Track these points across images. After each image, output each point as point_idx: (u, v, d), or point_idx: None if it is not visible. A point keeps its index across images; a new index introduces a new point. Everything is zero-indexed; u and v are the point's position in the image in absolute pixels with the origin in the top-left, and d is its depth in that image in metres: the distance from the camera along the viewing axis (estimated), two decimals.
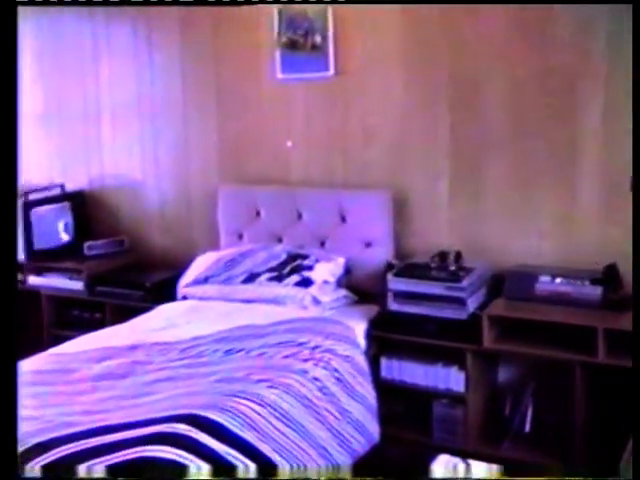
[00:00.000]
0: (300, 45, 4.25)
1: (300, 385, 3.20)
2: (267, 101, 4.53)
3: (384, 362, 3.83)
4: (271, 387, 3.11)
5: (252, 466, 2.69)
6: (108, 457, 2.52)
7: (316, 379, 3.29)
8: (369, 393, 3.56)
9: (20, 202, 4.94)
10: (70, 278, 4.83)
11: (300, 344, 3.51)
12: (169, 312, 4.14)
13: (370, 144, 4.25)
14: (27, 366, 3.42)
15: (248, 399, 2.97)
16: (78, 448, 2.58)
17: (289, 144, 4.45)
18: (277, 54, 4.36)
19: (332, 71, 4.23)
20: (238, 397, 2.97)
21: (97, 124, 5.16)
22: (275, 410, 3.01)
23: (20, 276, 4.96)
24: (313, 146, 4.43)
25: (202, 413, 2.80)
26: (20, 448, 2.62)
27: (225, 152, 4.74)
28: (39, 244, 5.02)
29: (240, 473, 2.62)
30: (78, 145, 5.27)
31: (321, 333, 3.63)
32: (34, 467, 2.50)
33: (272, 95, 4.50)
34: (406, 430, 3.83)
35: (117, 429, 2.69)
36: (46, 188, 5.26)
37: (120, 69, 5.02)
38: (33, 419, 2.84)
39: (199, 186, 4.86)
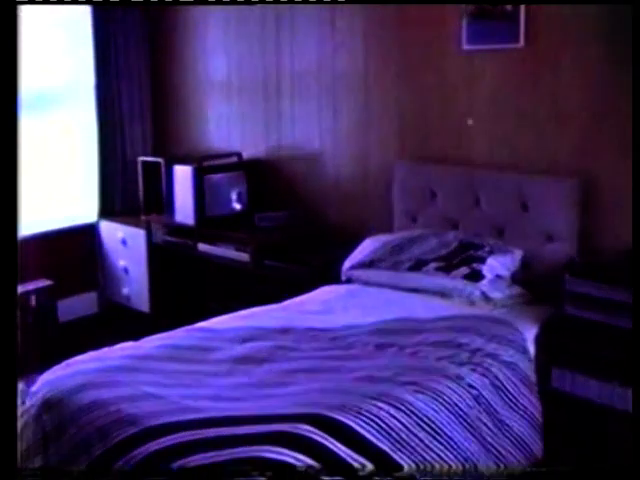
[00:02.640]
0: (488, 13, 3.85)
1: (452, 392, 2.86)
2: (450, 74, 4.16)
3: (555, 373, 3.40)
4: (418, 392, 2.79)
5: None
6: (216, 453, 2.33)
7: (471, 386, 2.94)
8: (533, 406, 3.17)
9: (194, 168, 4.88)
10: (237, 249, 4.71)
11: (459, 345, 3.17)
12: (328, 295, 3.91)
13: (562, 126, 3.79)
14: (168, 339, 3.32)
15: (389, 403, 2.67)
16: (190, 438, 2.42)
17: (470, 122, 4.08)
18: (463, 23, 3.98)
19: (522, 42, 3.80)
20: (378, 400, 2.68)
21: (277, 93, 5.00)
22: (419, 418, 2.70)
23: (190, 242, 4.91)
24: (498, 125, 4.02)
25: (331, 414, 2.54)
26: (130, 430, 2.50)
27: (404, 127, 4.43)
28: (210, 211, 4.94)
29: None
30: (257, 114, 5.15)
31: (485, 334, 3.26)
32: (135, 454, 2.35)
33: (456, 67, 4.13)
34: (574, 449, 3.39)
35: (239, 421, 2.50)
36: (223, 155, 5.18)
37: (302, 38, 4.82)
38: (156, 398, 2.72)
39: (376, 161, 4.59)
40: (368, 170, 4.64)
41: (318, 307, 3.72)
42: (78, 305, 5.58)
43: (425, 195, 4.24)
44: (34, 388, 3.05)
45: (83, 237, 5.63)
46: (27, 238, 5.29)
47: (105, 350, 3.24)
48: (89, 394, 2.79)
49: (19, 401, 2.96)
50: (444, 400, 2.82)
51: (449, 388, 2.87)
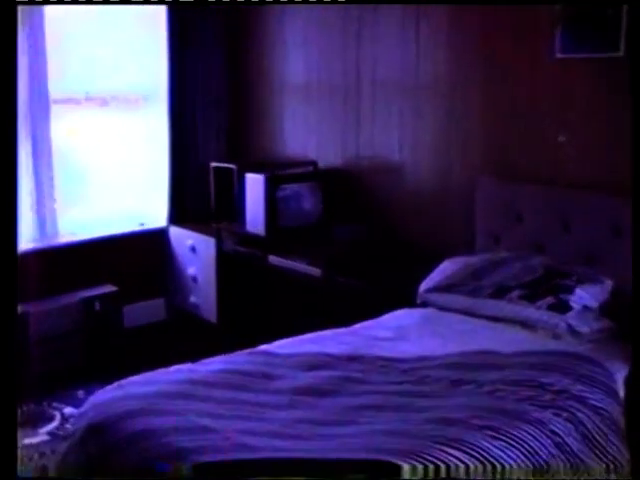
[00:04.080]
0: (585, 17, 3.54)
1: (532, 438, 2.58)
2: (541, 84, 3.87)
3: None
4: (494, 438, 2.52)
5: None
6: None
7: (554, 433, 2.64)
8: (622, 456, 2.86)
9: (267, 177, 4.69)
10: (308, 263, 4.48)
11: (542, 385, 2.87)
12: (401, 320, 3.65)
13: None
14: (227, 363, 3.12)
15: (461, 450, 2.42)
16: None
17: (561, 139, 3.78)
18: (557, 29, 3.68)
19: (622, 51, 3.48)
20: (449, 445, 2.43)
21: (356, 101, 4.76)
22: (493, 467, 2.43)
23: (259, 252, 4.76)
24: (592, 141, 3.72)
25: (395, 460, 2.30)
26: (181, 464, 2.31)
27: (490, 141, 4.15)
28: (282, 222, 4.75)
29: None
30: (335, 121, 4.92)
31: (570, 374, 2.96)
32: None
33: (548, 78, 3.83)
34: None
35: (291, 466, 2.27)
36: (298, 164, 4.98)
37: (384, 43, 4.58)
38: (209, 431, 2.53)
39: (458, 176, 4.32)
40: (450, 185, 4.38)
41: (390, 333, 3.47)
42: (145, 311, 5.45)
43: (510, 215, 3.96)
44: (81, 409, 2.89)
45: (152, 243, 5.50)
46: (95, 242, 5.20)
47: (160, 372, 3.06)
48: (138, 421, 2.61)
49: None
50: (522, 447, 2.54)
51: (529, 434, 2.59)
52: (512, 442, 2.53)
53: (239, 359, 3.18)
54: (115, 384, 2.98)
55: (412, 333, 3.46)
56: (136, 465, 2.45)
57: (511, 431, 2.56)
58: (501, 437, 2.53)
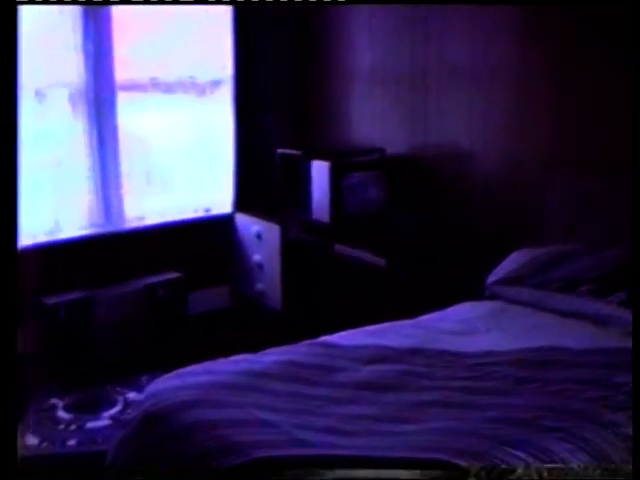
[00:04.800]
0: None
1: (603, 441, 2.44)
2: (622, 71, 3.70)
3: None
4: (563, 440, 2.40)
5: None
6: None
7: (629, 437, 2.52)
8: None
9: (332, 164, 4.61)
10: (373, 252, 4.39)
11: (614, 386, 2.74)
12: (468, 312, 3.55)
13: None
14: (288, 354, 3.06)
15: (530, 452, 2.31)
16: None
17: None
18: None
19: None
20: (516, 447, 2.32)
21: (424, 87, 4.64)
22: (561, 470, 2.31)
23: (324, 241, 4.71)
24: None
25: (458, 461, 2.20)
26: (234, 460, 2.26)
27: (563, 131, 4.00)
28: (348, 210, 4.67)
29: None
30: (402, 108, 4.81)
31: None
32: None
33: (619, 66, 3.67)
34: None
35: (345, 463, 2.20)
36: (364, 152, 4.88)
37: (453, 28, 4.45)
38: (267, 425, 2.47)
39: (529, 166, 4.17)
40: (520, 175, 4.23)
41: (456, 326, 3.37)
42: (210, 298, 5.43)
43: (582, 207, 3.81)
44: (139, 398, 2.86)
45: (218, 229, 5.47)
46: (160, 228, 5.20)
47: (219, 362, 3.01)
48: (194, 413, 2.57)
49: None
50: (594, 451, 2.41)
51: (601, 437, 2.45)
52: (581, 444, 2.41)
53: (299, 350, 3.11)
54: (173, 373, 2.94)
55: (478, 327, 3.36)
56: (190, 458, 2.41)
57: (582, 433, 2.44)
58: (570, 440, 2.41)
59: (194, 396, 2.67)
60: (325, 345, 3.18)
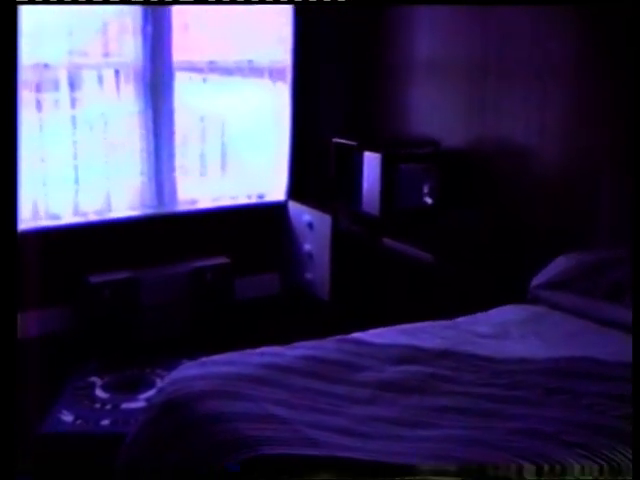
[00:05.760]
0: None
1: (627, 459, 2.35)
2: None
3: None
4: (585, 457, 2.30)
5: None
6: None
7: None
8: None
9: (384, 155, 4.53)
10: (420, 247, 4.30)
11: None
12: (506, 315, 3.44)
13: None
14: (315, 349, 3.00)
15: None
16: None
17: None
18: None
19: None
20: (530, 461, 2.23)
21: (482, 80, 4.52)
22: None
23: (373, 233, 4.65)
24: None
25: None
26: (241, 456, 2.21)
27: (621, 130, 3.82)
28: (398, 203, 4.59)
29: None
30: (459, 102, 4.70)
31: None
32: None
33: None
34: None
35: (348, 467, 2.14)
36: (418, 144, 4.79)
37: (512, 20, 4.31)
38: (278, 422, 2.41)
39: (586, 166, 4.02)
40: (575, 175, 4.08)
41: (491, 329, 3.26)
42: (259, 284, 5.42)
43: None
44: (161, 385, 2.84)
45: (270, 216, 5.45)
46: (212, 212, 5.20)
47: (245, 352, 2.97)
48: (209, 404, 2.53)
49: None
50: (615, 469, 2.31)
51: (623, 454, 2.35)
52: (603, 461, 2.30)
53: (328, 346, 3.05)
54: (198, 361, 2.92)
55: (514, 331, 3.25)
56: (198, 451, 2.38)
57: (605, 452, 2.34)
58: (592, 457, 2.31)
59: (212, 386, 2.64)
60: (355, 342, 3.11)
